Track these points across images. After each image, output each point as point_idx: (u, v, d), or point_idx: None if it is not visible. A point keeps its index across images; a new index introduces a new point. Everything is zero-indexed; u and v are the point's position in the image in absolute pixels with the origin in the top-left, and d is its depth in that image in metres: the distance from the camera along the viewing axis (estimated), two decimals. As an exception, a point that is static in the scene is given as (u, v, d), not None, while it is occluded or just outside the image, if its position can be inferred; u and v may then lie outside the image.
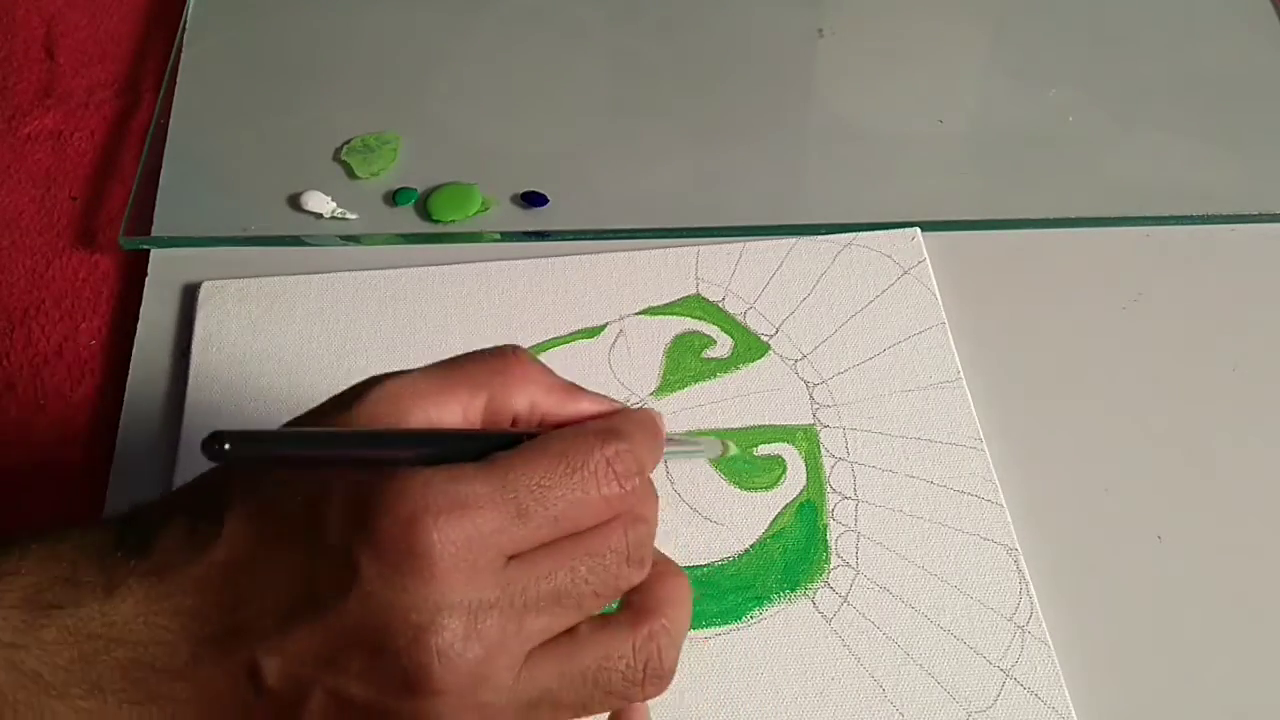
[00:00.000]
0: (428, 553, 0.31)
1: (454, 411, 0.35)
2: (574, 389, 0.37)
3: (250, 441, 0.30)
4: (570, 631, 0.34)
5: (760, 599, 0.44)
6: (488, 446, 0.33)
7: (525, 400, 0.36)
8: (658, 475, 0.47)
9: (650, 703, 0.42)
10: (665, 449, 0.37)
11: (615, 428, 0.34)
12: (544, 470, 0.33)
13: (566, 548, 0.33)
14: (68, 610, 0.32)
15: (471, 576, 0.31)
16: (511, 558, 0.32)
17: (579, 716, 0.35)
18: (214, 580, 0.32)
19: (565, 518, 0.33)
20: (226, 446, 0.28)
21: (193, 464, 0.47)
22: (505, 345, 0.37)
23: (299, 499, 0.32)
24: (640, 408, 0.37)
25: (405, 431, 0.33)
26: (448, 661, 0.31)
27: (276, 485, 0.33)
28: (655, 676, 0.35)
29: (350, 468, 0.32)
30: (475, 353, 0.36)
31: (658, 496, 0.35)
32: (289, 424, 0.35)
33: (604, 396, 0.37)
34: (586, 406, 0.37)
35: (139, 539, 0.32)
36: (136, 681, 0.31)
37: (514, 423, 0.36)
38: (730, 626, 0.44)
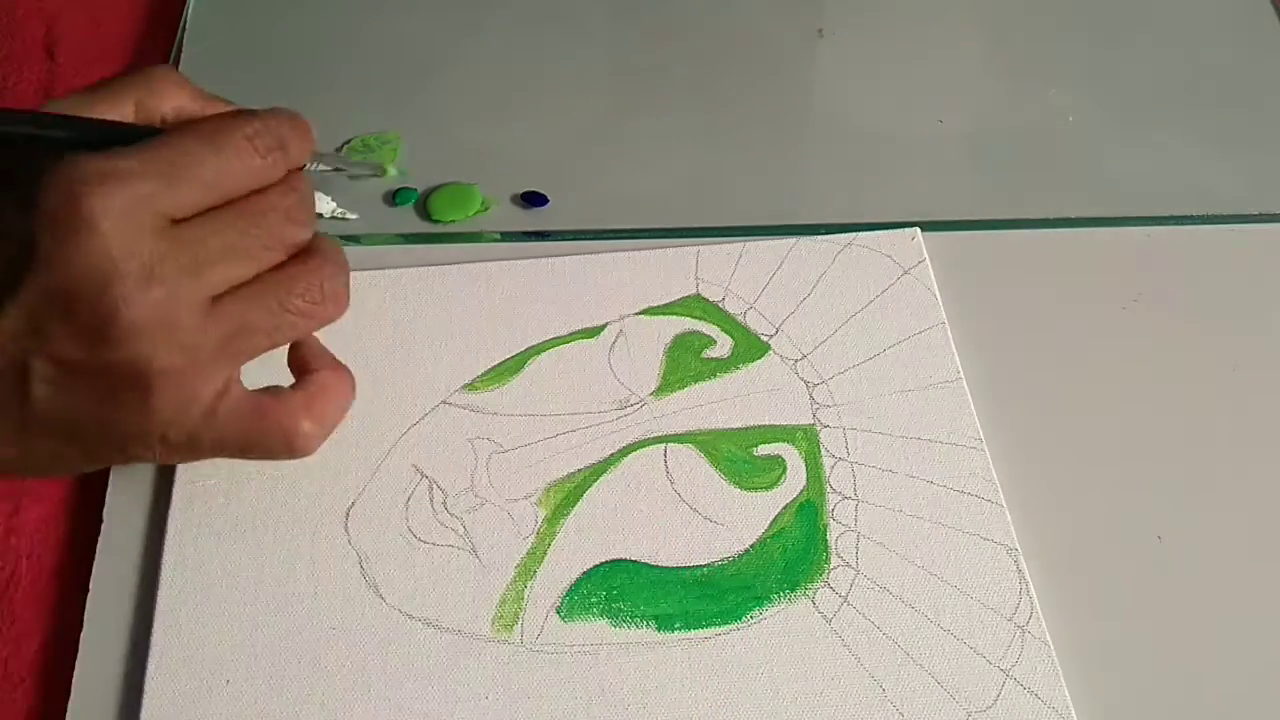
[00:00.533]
0: (89, 215, 0.36)
1: (103, 115, 0.41)
2: (218, 100, 0.44)
3: None
4: (254, 279, 0.40)
5: (760, 599, 0.44)
6: (135, 134, 0.39)
7: (171, 106, 0.43)
8: (657, 476, 0.47)
9: (649, 704, 0.42)
10: (313, 148, 0.43)
11: (254, 112, 0.41)
12: (188, 145, 0.38)
13: (227, 211, 0.39)
14: None
15: (137, 234, 0.36)
16: (176, 221, 0.38)
17: (275, 342, 0.41)
18: None
19: (216, 183, 0.39)
20: None
21: (192, 465, 0.47)
22: (150, 66, 0.44)
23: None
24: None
25: (61, 116, 0.39)
26: (132, 304, 0.36)
27: None
28: (333, 297, 0.42)
29: (17, 142, 0.38)
30: (120, 74, 0.43)
31: (305, 173, 0.42)
32: None
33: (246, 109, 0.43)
34: (227, 109, 0.44)
35: None
36: None
37: (161, 124, 0.42)
38: (730, 626, 0.44)
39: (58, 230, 0.36)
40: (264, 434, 0.42)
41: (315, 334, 0.44)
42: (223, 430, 0.41)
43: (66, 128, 0.40)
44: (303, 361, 0.45)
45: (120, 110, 0.42)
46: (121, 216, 0.36)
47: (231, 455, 0.42)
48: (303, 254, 0.42)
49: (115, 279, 0.36)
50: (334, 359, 0.45)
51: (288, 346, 0.44)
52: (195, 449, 0.41)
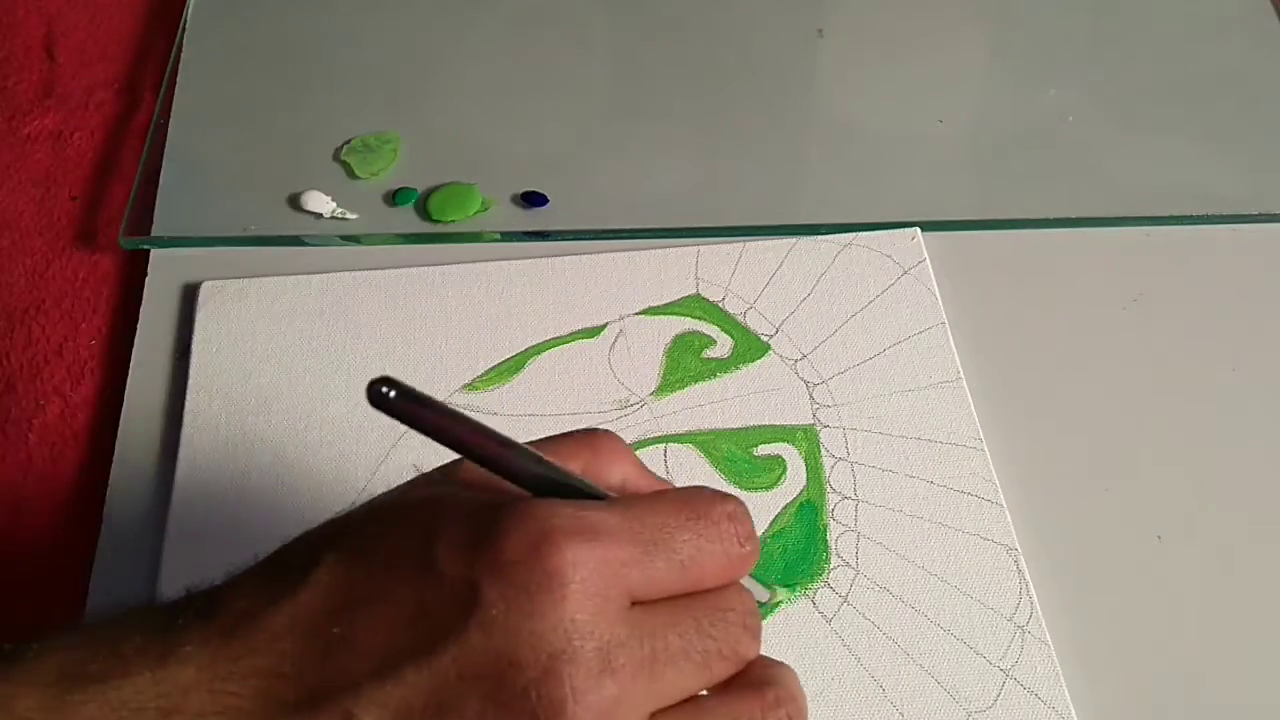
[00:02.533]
0: (559, 572, 0.28)
1: None
2: (659, 479, 0.35)
3: (412, 398, 0.28)
4: (694, 699, 0.31)
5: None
6: (598, 494, 0.32)
7: (618, 476, 0.34)
8: (657, 473, 0.47)
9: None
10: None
11: (720, 492, 0.33)
12: (670, 513, 0.31)
13: (692, 603, 0.31)
14: (112, 683, 0.27)
15: (603, 607, 0.28)
16: (635, 603, 0.30)
17: None
18: (298, 632, 0.28)
19: (691, 564, 0.31)
20: (391, 393, 0.27)
21: (193, 464, 0.47)
22: (593, 428, 0.35)
23: (405, 533, 0.29)
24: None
25: (538, 455, 0.31)
26: (582, 698, 0.28)
27: (376, 527, 0.30)
28: None
29: (480, 461, 0.30)
30: (565, 433, 0.34)
31: None
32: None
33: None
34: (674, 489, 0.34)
35: (205, 601, 0.29)
36: None
37: None
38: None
39: (513, 580, 0.28)
40: None
41: None
42: None
43: (535, 464, 0.31)
44: None
45: (569, 464, 0.33)
46: (592, 582, 0.28)
47: None
48: (752, 681, 0.32)
49: (569, 658, 0.28)
50: None
51: None
52: None
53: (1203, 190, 0.58)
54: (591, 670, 0.28)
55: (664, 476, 0.47)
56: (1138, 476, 0.48)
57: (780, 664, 0.33)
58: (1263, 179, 0.58)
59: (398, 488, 0.32)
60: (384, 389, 0.27)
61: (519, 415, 0.49)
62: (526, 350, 0.51)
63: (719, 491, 0.32)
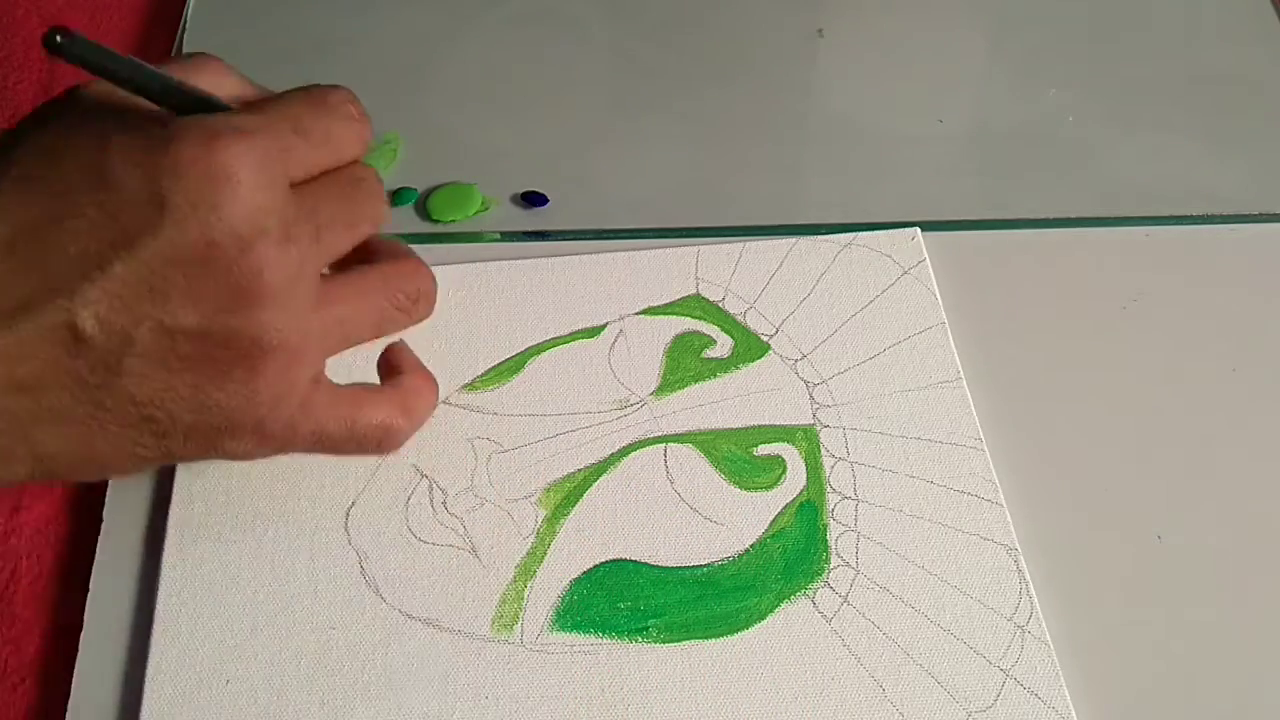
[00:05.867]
0: (230, 168, 0.33)
1: None
2: (264, 89, 0.40)
3: (86, 47, 0.32)
4: (363, 271, 0.40)
5: (760, 599, 0.44)
6: (227, 107, 0.37)
7: (231, 89, 0.39)
8: (657, 476, 0.47)
9: (648, 705, 0.42)
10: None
11: (335, 85, 0.40)
12: (298, 106, 0.37)
13: (338, 176, 0.38)
14: None
15: (272, 190, 0.34)
16: (294, 184, 0.36)
17: (374, 334, 0.41)
18: (1, 249, 0.32)
19: (328, 141, 0.37)
20: (59, 39, 0.31)
21: (193, 464, 0.47)
22: (197, 52, 0.40)
23: (75, 155, 0.33)
24: None
25: (176, 79, 0.36)
26: (274, 266, 0.34)
27: (43, 157, 0.33)
28: (426, 297, 0.42)
29: (137, 90, 0.35)
30: (172, 58, 0.40)
31: None
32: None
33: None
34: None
35: None
36: None
37: None
38: (730, 626, 0.44)
39: (192, 183, 0.32)
40: (361, 427, 0.40)
41: None
42: (321, 421, 0.39)
43: (166, 88, 0.36)
44: (394, 363, 0.44)
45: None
46: (259, 171, 0.33)
47: (324, 450, 0.40)
48: (396, 253, 0.42)
49: (259, 237, 0.33)
50: (421, 363, 0.45)
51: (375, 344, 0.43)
52: (290, 440, 0.39)
53: (1203, 190, 0.58)
54: (278, 242, 0.34)
55: (664, 476, 0.47)
56: (1138, 476, 0.48)
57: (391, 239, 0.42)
58: (1263, 179, 0.58)
59: (38, 114, 0.36)
60: (59, 38, 0.31)
61: (519, 415, 0.49)
62: (526, 350, 0.51)
63: (332, 85, 0.39)
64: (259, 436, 0.37)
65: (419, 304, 0.42)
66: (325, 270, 0.39)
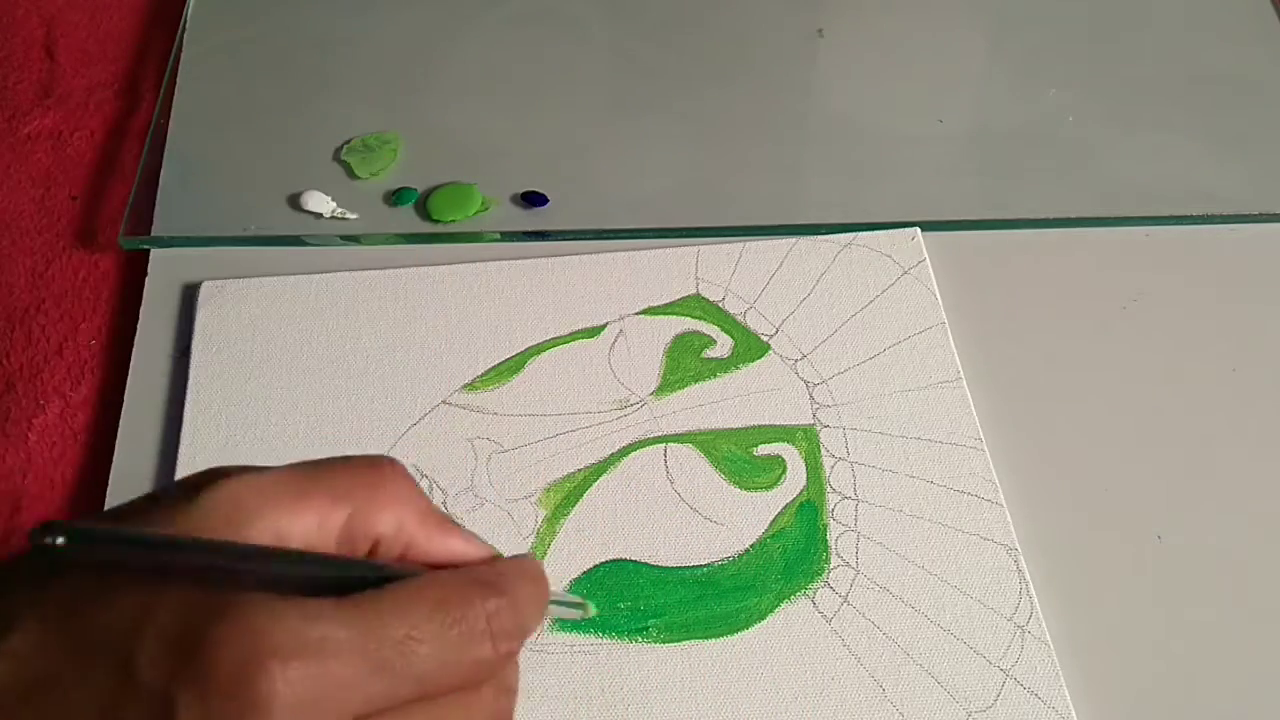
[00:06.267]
0: (267, 701, 0.25)
1: (308, 524, 0.29)
2: (446, 521, 0.31)
3: (86, 540, 0.25)
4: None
5: (760, 598, 0.44)
6: (346, 577, 0.27)
7: (393, 523, 0.30)
8: (657, 476, 0.47)
9: (648, 704, 0.42)
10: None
11: (499, 580, 0.29)
12: (417, 620, 0.27)
13: (419, 712, 0.28)
14: None
15: None
16: (358, 717, 0.27)
17: None
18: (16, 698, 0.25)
19: (429, 679, 0.27)
20: (59, 541, 0.24)
21: (193, 464, 0.47)
22: (380, 456, 0.31)
23: (114, 616, 0.26)
24: (524, 556, 0.31)
25: (255, 548, 0.28)
26: None
27: (85, 594, 0.26)
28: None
29: (189, 582, 0.26)
30: (345, 458, 0.31)
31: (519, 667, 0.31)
32: (111, 513, 0.29)
33: (477, 537, 0.32)
34: (458, 545, 0.31)
35: None
36: None
37: (375, 547, 0.30)
38: (730, 626, 0.44)
39: (211, 706, 0.25)
40: None
41: None
42: None
43: (262, 560, 0.28)
44: None
45: (335, 517, 0.29)
46: (304, 710, 0.25)
47: None
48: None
49: None
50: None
51: None
52: None
53: (1203, 190, 0.58)
54: None
55: (664, 476, 0.47)
56: (1138, 476, 0.48)
57: None
58: (1263, 179, 0.58)
59: (122, 512, 0.28)
60: (49, 540, 0.24)
61: (519, 415, 0.49)
62: (526, 350, 0.51)
63: (486, 582, 0.29)
64: None
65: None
66: None
